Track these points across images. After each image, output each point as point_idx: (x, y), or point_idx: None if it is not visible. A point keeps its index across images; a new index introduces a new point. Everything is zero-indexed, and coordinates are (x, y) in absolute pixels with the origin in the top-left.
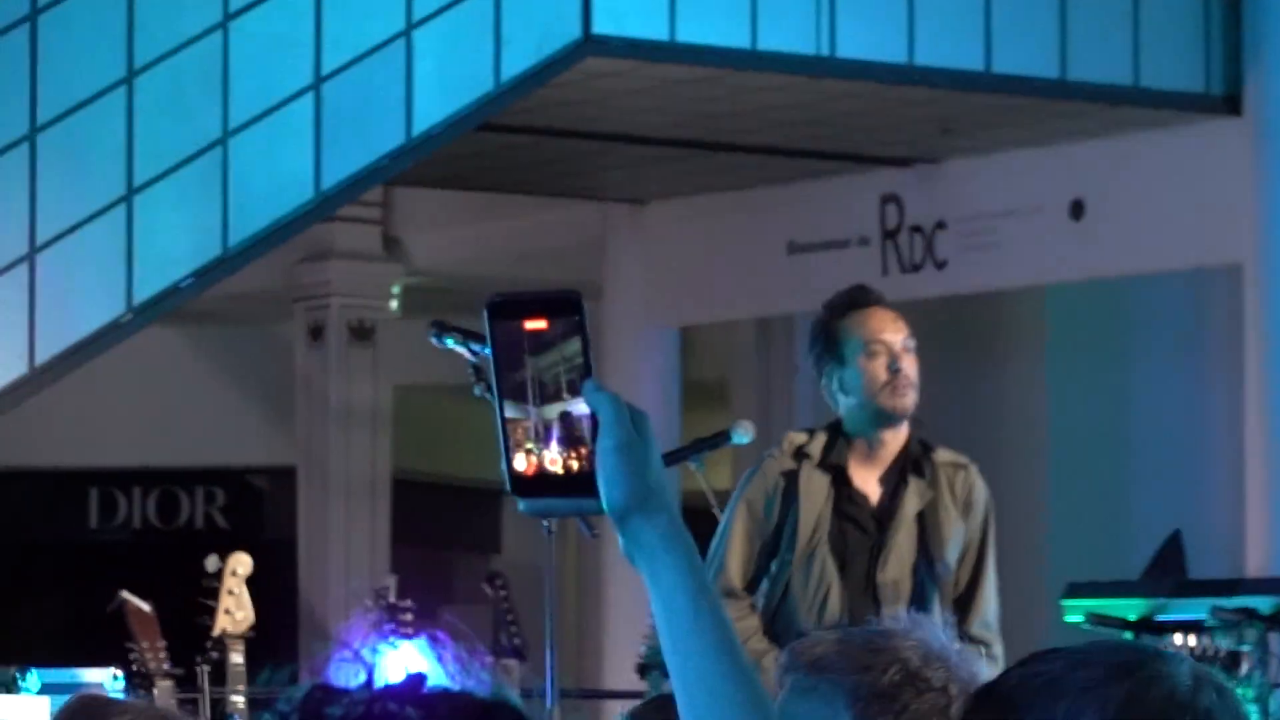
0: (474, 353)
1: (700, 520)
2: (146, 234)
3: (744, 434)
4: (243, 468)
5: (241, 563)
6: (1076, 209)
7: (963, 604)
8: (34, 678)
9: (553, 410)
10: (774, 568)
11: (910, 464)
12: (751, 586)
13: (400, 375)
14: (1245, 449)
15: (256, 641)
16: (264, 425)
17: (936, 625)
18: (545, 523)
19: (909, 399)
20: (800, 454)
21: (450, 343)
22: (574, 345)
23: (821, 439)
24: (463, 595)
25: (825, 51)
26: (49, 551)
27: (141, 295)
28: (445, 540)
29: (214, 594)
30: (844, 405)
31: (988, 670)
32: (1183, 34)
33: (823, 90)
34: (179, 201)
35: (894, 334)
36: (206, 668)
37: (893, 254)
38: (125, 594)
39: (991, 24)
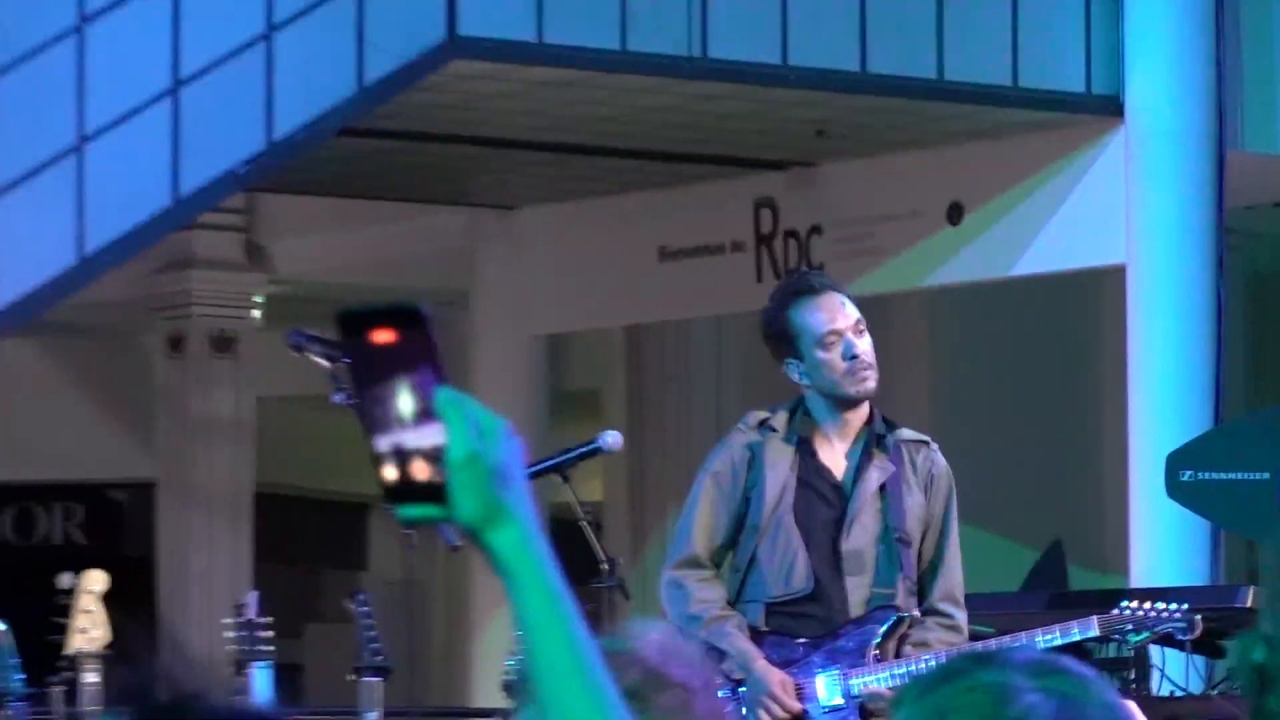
0: (332, 360)
1: (569, 533)
2: (0, 242)
3: (611, 444)
4: (102, 483)
5: (97, 580)
6: (955, 212)
7: (927, 578)
8: None
9: (387, 441)
10: (741, 537)
11: (873, 438)
12: (719, 557)
13: (263, 387)
14: (1130, 456)
15: (114, 660)
16: (123, 439)
17: (672, 629)
18: (409, 534)
19: (871, 382)
20: (765, 426)
21: (309, 351)
22: (412, 377)
23: (784, 414)
24: (329, 613)
25: (696, 53)
26: None
27: None
28: (310, 557)
29: (67, 612)
30: (806, 393)
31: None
32: (1063, 34)
33: (694, 92)
34: (34, 208)
35: (845, 320)
36: (61, 687)
37: (767, 259)
38: None
39: (867, 24)
